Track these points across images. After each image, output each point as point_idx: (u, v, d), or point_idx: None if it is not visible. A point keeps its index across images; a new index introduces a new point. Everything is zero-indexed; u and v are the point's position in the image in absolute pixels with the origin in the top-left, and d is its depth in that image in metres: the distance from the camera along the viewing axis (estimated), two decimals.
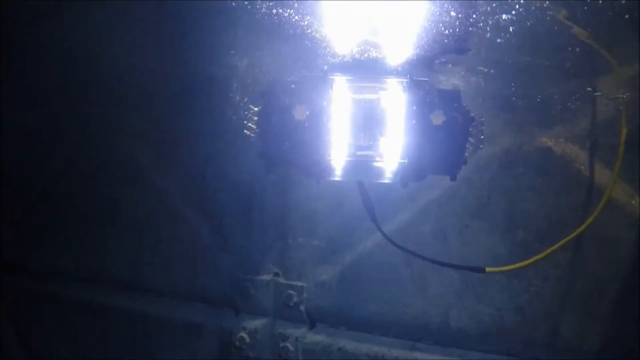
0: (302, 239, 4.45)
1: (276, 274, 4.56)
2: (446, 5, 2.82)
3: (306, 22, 3.33)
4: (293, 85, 2.73)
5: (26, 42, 4.51)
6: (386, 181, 3.01)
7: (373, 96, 2.85)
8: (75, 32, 4.22)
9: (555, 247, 3.37)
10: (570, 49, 3.33)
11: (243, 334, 4.43)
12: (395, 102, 2.79)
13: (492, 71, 3.74)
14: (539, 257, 3.35)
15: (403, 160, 2.77)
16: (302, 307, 4.41)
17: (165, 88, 4.58)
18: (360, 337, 4.29)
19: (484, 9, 2.84)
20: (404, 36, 3.35)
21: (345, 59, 3.53)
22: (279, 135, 2.70)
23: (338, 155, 2.82)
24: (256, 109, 2.74)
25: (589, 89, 3.71)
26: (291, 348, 4.33)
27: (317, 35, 3.38)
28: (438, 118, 2.61)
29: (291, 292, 4.43)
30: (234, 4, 3.49)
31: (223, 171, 4.55)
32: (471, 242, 4.07)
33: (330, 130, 2.71)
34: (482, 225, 4.05)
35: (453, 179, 2.84)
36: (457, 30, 3.05)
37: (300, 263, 4.49)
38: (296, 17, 3.30)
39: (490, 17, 2.94)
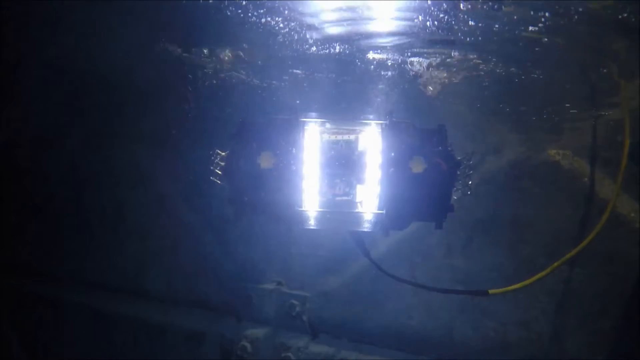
0: (306, 249, 4.43)
1: (279, 283, 4.55)
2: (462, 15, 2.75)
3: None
4: (263, 128, 2.49)
5: (29, 47, 4.50)
6: (365, 229, 2.75)
7: (350, 136, 2.59)
8: (79, 35, 4.21)
9: (557, 263, 3.27)
10: (581, 64, 3.31)
11: (245, 343, 4.40)
12: (373, 145, 2.53)
13: (500, 84, 3.70)
14: (542, 274, 3.23)
15: (380, 211, 2.53)
16: (304, 317, 4.39)
17: (169, 94, 4.56)
18: (362, 349, 4.26)
19: (506, 19, 2.77)
20: (409, 39, 3.28)
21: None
22: (247, 182, 2.48)
23: (311, 204, 2.57)
24: (223, 153, 2.55)
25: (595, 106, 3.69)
26: (293, 358, 4.30)
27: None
28: (418, 166, 2.39)
29: (294, 301, 4.41)
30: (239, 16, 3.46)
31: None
32: (476, 256, 4.05)
33: (302, 178, 2.47)
34: (487, 239, 4.02)
35: (439, 227, 2.57)
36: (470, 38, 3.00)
37: (303, 273, 4.47)
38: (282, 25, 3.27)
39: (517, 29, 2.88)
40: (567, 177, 3.87)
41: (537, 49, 3.15)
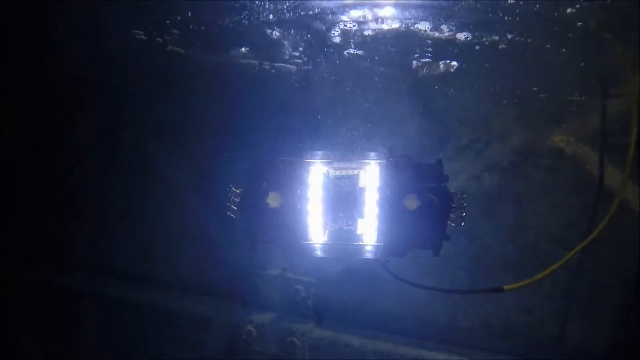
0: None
1: (284, 269, 4.59)
2: None
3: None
4: (271, 167, 2.74)
5: (39, 31, 4.55)
6: (368, 257, 2.96)
7: (353, 172, 2.81)
8: (89, 21, 4.25)
9: (570, 254, 3.24)
10: (588, 47, 3.33)
11: (250, 328, 4.47)
12: (372, 183, 2.73)
13: (508, 69, 3.72)
14: (555, 266, 3.20)
15: (378, 244, 2.76)
16: (309, 303, 4.44)
17: (178, 82, 4.61)
18: (366, 334, 4.31)
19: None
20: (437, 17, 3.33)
21: None
22: (259, 217, 2.73)
23: (316, 236, 2.80)
24: (238, 190, 2.77)
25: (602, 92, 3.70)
26: (298, 343, 4.35)
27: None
28: (412, 203, 2.56)
29: (299, 287, 4.46)
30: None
31: (234, 166, 4.57)
32: (479, 242, 4.07)
33: (307, 215, 2.71)
34: (491, 225, 4.05)
35: (436, 254, 2.75)
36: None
37: (308, 258, 4.51)
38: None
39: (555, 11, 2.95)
40: (571, 164, 3.88)
41: (570, 34, 3.19)
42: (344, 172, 2.83)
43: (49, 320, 5.40)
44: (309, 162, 2.75)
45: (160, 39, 4.01)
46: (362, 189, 2.77)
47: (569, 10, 2.97)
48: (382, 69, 3.81)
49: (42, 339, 5.48)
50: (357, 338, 4.27)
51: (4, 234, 5.41)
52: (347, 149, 3.65)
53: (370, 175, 2.74)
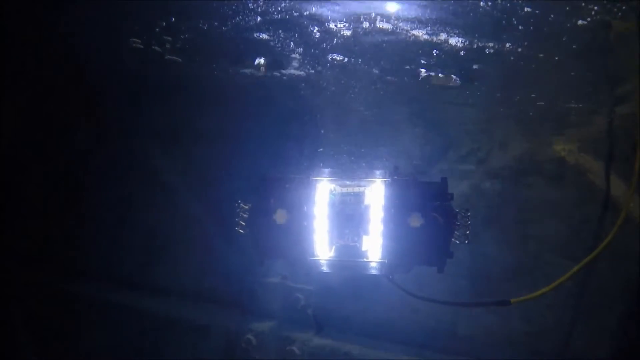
0: None
1: (284, 277, 4.57)
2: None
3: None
4: (279, 184, 2.78)
5: (39, 31, 4.51)
6: (373, 273, 3.00)
7: (359, 189, 2.85)
8: (92, 26, 4.22)
9: (576, 268, 3.18)
10: (592, 56, 3.30)
11: (250, 336, 4.44)
12: (377, 201, 2.75)
13: (509, 76, 3.68)
14: (562, 279, 3.14)
15: (383, 260, 2.78)
16: (309, 311, 4.42)
17: (181, 89, 4.57)
18: (367, 343, 4.28)
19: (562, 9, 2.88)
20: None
21: None
22: (266, 233, 2.77)
23: (323, 252, 2.83)
24: (246, 206, 2.81)
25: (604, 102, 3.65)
26: (297, 352, 4.32)
27: None
28: (416, 221, 2.58)
29: (299, 295, 4.43)
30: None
31: (235, 173, 4.55)
32: (480, 251, 4.03)
33: (313, 231, 2.74)
34: (492, 234, 4.01)
35: (440, 271, 2.78)
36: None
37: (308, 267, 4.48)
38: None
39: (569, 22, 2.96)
40: (572, 173, 3.84)
41: (574, 46, 3.17)
42: (350, 189, 2.87)
43: (49, 321, 5.40)
44: (315, 179, 2.79)
45: (158, 48, 3.96)
46: (368, 207, 2.80)
47: (580, 22, 2.95)
48: (383, 77, 3.76)
49: (41, 340, 5.48)
50: (357, 347, 4.24)
51: (4, 234, 5.40)
52: (348, 154, 3.65)
53: (376, 193, 2.77)
